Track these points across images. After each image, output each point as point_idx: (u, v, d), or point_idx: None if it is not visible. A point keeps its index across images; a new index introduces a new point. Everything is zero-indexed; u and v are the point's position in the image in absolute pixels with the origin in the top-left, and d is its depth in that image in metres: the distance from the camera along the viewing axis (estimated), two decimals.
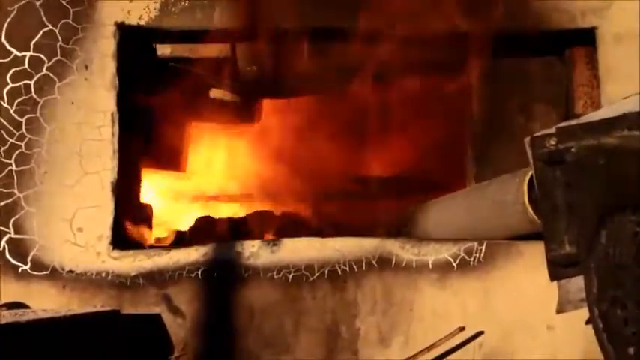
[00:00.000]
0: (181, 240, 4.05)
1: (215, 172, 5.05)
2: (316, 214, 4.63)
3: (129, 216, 3.74)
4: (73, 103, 3.51)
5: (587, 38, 3.69)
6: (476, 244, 3.38)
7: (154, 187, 4.62)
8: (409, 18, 3.63)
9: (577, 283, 2.31)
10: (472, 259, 3.37)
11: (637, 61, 3.52)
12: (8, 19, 3.52)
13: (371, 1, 3.64)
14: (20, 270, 3.40)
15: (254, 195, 4.97)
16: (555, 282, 2.39)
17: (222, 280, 3.40)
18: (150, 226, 4.12)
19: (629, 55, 3.57)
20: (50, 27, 3.53)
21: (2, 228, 3.42)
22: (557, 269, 2.34)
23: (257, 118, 4.74)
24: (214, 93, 4.41)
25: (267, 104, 4.74)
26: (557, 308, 2.41)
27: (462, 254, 3.38)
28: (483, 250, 3.37)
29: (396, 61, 3.90)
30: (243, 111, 4.62)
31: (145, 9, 3.60)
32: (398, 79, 4.18)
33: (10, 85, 3.49)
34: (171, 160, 4.57)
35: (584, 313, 2.27)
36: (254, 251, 3.41)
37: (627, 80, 3.50)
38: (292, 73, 4.14)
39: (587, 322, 2.25)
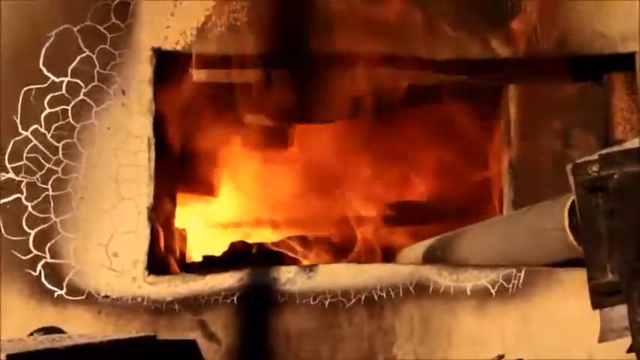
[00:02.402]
0: (216, 265, 4.04)
1: (248, 196, 5.05)
2: (352, 240, 4.61)
3: (164, 241, 3.74)
4: (109, 128, 3.52)
5: (626, 63, 3.67)
6: (515, 270, 3.35)
7: (188, 212, 4.61)
8: (446, 43, 3.63)
9: (620, 311, 2.28)
10: (511, 285, 3.35)
11: None
12: (46, 45, 3.54)
13: (408, 26, 3.64)
14: (56, 295, 3.41)
15: (288, 220, 4.95)
16: (597, 310, 2.36)
17: (258, 306, 3.39)
18: (184, 251, 4.12)
19: None
20: (88, 52, 3.55)
21: (38, 253, 3.43)
22: (600, 297, 2.31)
23: (291, 142, 4.74)
24: (249, 118, 4.41)
25: (301, 129, 4.74)
26: (600, 337, 2.38)
27: (501, 281, 3.36)
28: (522, 276, 3.35)
29: (434, 86, 3.90)
30: (277, 136, 4.62)
31: (181, 34, 3.61)
32: (436, 104, 4.17)
33: (48, 110, 3.51)
34: (204, 184, 4.58)
35: (625, 340, 2.24)
36: (290, 277, 3.41)
37: None
38: (327, 98, 4.14)
39: (628, 351, 2.22)
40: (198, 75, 4.08)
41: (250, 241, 4.49)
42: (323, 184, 4.91)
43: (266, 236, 4.85)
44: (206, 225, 4.93)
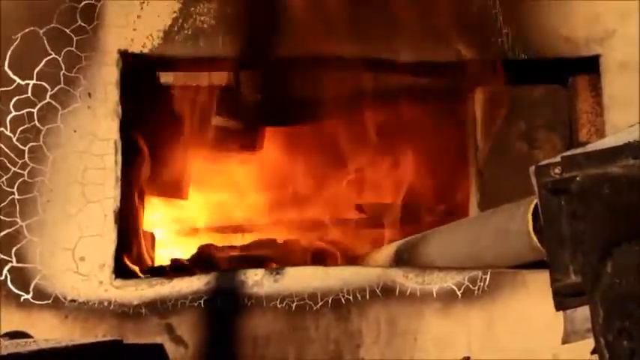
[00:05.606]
0: (184, 269, 4.03)
1: (217, 199, 5.04)
2: (319, 242, 4.62)
3: (131, 244, 3.73)
4: (75, 131, 3.50)
5: (590, 66, 3.70)
6: (480, 272, 3.37)
7: (156, 215, 4.60)
8: (412, 45, 3.64)
9: (583, 313, 2.29)
10: (477, 287, 3.36)
11: None
12: (11, 48, 3.52)
13: (374, 28, 3.65)
14: (22, 299, 3.39)
15: (256, 223, 4.95)
16: (561, 312, 2.37)
17: (225, 309, 3.39)
18: (152, 255, 4.11)
19: (632, 84, 3.57)
20: (54, 55, 3.53)
21: (4, 257, 3.41)
22: (563, 299, 2.32)
23: (259, 145, 4.74)
24: (216, 120, 4.41)
25: (269, 132, 4.74)
26: (563, 339, 2.39)
27: (467, 283, 3.37)
28: (488, 279, 3.36)
29: (399, 88, 3.90)
30: (245, 138, 4.61)
31: (148, 37, 3.60)
32: (401, 107, 4.18)
33: (13, 113, 3.48)
34: (173, 187, 4.56)
35: (589, 342, 2.25)
36: (257, 280, 3.40)
37: (631, 108, 3.51)
38: (295, 100, 4.15)
39: (592, 353, 2.23)
40: (165, 77, 4.08)
41: (219, 244, 4.48)
42: (291, 187, 4.91)
43: (235, 240, 4.84)
44: (175, 228, 4.92)
